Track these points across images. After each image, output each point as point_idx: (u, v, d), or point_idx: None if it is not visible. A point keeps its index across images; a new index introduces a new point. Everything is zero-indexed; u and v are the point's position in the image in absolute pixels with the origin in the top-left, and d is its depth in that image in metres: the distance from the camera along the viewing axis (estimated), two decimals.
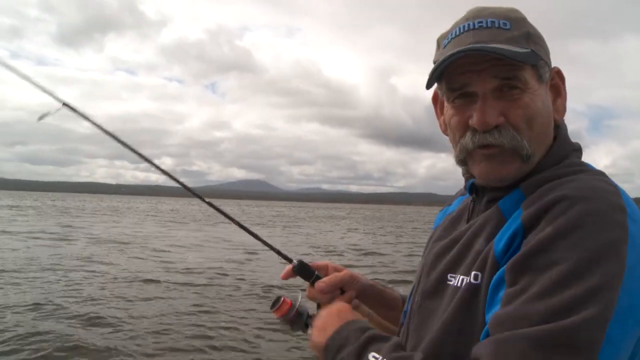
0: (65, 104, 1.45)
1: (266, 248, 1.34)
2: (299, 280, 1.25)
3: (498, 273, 0.79)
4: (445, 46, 0.94)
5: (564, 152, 0.93)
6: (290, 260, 1.25)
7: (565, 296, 0.69)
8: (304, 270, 1.22)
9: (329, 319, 1.04)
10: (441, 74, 0.92)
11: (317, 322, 1.07)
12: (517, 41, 0.89)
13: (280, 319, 1.18)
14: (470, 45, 0.87)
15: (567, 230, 0.74)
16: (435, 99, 1.06)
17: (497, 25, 0.90)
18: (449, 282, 0.90)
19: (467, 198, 1.06)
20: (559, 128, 0.95)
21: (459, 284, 0.87)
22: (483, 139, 0.89)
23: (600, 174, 0.87)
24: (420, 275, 1.02)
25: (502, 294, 0.76)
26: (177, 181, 1.43)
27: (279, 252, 1.31)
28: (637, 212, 0.79)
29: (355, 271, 1.28)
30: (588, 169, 0.90)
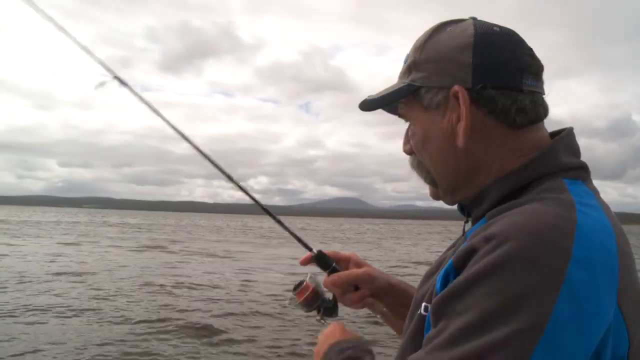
0: (116, 77, 1.54)
1: None
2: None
3: (427, 315, 0.79)
4: None
5: (538, 170, 0.82)
6: (310, 249, 1.29)
7: (467, 348, 0.65)
8: (322, 260, 1.26)
9: (320, 345, 1.12)
10: None
11: (315, 348, 1.14)
12: (402, 76, 0.93)
13: (301, 301, 1.27)
14: (366, 98, 1.00)
15: (486, 274, 0.67)
16: None
17: (405, 60, 0.94)
18: (420, 311, 0.87)
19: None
20: (551, 146, 0.85)
21: (422, 311, 0.86)
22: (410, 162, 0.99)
23: (565, 204, 0.74)
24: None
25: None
26: (251, 197, 1.43)
27: (300, 240, 1.34)
28: (597, 255, 0.68)
29: (381, 269, 1.28)
30: (557, 196, 0.77)
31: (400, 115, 0.97)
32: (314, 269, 1.30)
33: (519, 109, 0.84)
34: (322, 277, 1.28)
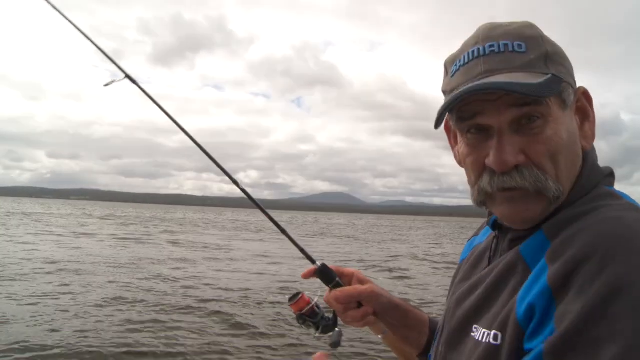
0: (127, 76, 1.60)
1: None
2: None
3: (534, 355, 0.67)
4: (453, 74, 0.85)
5: (591, 182, 0.82)
6: (313, 262, 1.25)
7: None
8: (326, 274, 1.22)
9: None
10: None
11: None
12: (535, 65, 0.78)
13: (296, 314, 1.23)
14: (484, 82, 0.77)
15: (605, 301, 0.62)
16: (447, 128, 0.96)
17: (510, 48, 0.80)
18: (472, 334, 0.82)
19: (492, 233, 0.96)
20: (587, 153, 0.84)
21: (481, 339, 0.79)
22: (502, 183, 0.79)
23: (631, 208, 0.75)
24: (443, 322, 0.95)
25: None
26: (256, 203, 1.45)
27: (303, 251, 1.32)
28: None
29: (383, 287, 1.22)
30: (619, 202, 0.77)
31: (529, 105, 0.77)
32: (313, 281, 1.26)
33: None
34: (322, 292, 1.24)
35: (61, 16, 1.59)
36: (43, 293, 9.55)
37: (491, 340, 0.76)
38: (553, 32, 0.86)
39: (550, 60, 0.80)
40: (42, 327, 7.31)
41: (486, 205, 0.85)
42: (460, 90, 0.77)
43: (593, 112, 0.85)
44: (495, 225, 0.92)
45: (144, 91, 1.55)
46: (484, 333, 0.78)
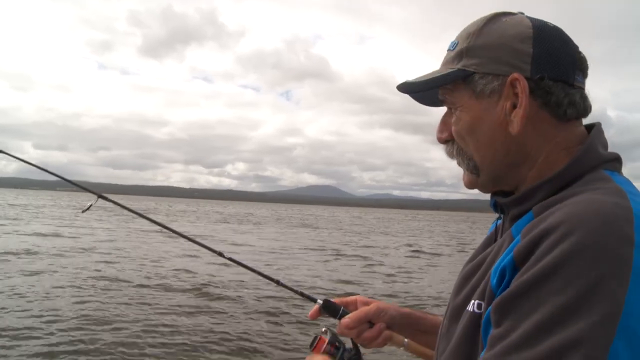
0: (100, 196, 1.84)
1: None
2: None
3: (487, 310, 0.76)
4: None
5: (585, 165, 0.83)
6: (314, 300, 1.30)
7: (544, 347, 0.63)
8: (329, 308, 1.27)
9: None
10: None
11: None
12: (451, 62, 0.92)
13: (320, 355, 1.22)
14: (404, 82, 0.98)
15: (553, 270, 0.66)
16: None
17: (451, 47, 0.94)
18: (467, 308, 0.86)
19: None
20: (590, 137, 0.86)
21: (473, 309, 0.84)
22: (445, 150, 0.98)
23: (616, 193, 0.74)
24: (450, 299, 1.00)
25: (489, 333, 0.73)
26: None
27: (302, 294, 1.39)
28: None
29: (388, 301, 1.32)
30: (606, 185, 0.78)
31: (442, 102, 0.94)
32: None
33: (570, 102, 0.85)
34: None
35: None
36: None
37: (475, 309, 0.81)
38: None
39: (466, 54, 0.88)
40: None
41: None
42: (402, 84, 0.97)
43: (524, 100, 0.84)
44: (496, 207, 0.97)
45: (122, 206, 1.91)
46: (474, 304, 0.83)
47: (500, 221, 1.00)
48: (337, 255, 19.24)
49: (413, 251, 22.54)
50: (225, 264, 12.25)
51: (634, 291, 0.62)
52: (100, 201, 1.82)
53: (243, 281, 11.29)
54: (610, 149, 0.87)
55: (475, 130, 0.89)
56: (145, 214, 1.74)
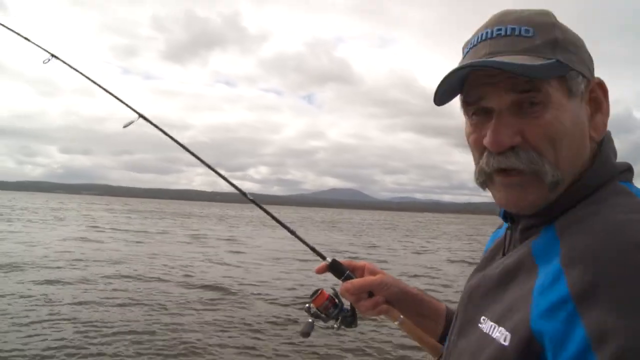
0: (141, 116, 1.78)
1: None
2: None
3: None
4: (464, 56, 0.86)
5: (602, 176, 0.80)
6: (324, 258, 1.32)
7: None
8: (336, 269, 1.28)
9: None
10: (462, 84, 0.84)
11: None
12: (540, 50, 0.78)
13: (317, 308, 1.29)
14: (477, 61, 0.78)
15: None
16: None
17: (517, 32, 0.79)
18: (480, 325, 0.81)
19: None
20: (603, 147, 0.83)
21: (489, 331, 0.77)
22: (498, 163, 0.80)
23: (637, 208, 0.72)
24: (457, 310, 0.95)
25: None
26: (236, 187, 1.57)
27: (314, 250, 1.37)
28: None
29: (396, 276, 1.24)
30: (630, 201, 0.75)
31: (528, 91, 0.77)
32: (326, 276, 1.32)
33: None
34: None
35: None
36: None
37: (501, 341, 0.73)
38: None
39: (559, 47, 0.79)
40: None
41: (487, 188, 0.87)
42: (454, 68, 0.80)
43: (607, 104, 0.84)
44: (506, 216, 0.92)
45: (159, 129, 1.76)
46: (492, 327, 0.77)
47: (502, 230, 0.99)
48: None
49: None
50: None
51: None
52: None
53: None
54: (637, 151, 6.73)
55: (570, 135, 0.78)
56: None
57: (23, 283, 10.48)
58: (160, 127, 1.75)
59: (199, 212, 75.04)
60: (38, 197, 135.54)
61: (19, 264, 12.68)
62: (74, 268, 12.93)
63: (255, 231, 33.24)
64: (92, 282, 11.09)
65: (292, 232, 1.51)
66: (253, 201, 1.57)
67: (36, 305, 8.67)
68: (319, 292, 1.30)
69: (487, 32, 0.82)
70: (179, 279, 12.28)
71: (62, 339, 6.84)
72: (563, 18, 0.82)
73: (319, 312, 1.30)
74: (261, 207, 1.57)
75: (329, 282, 1.39)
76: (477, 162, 0.86)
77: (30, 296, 9.26)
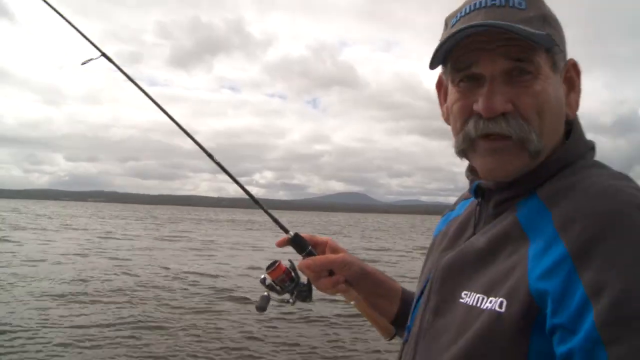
0: (103, 54, 1.63)
1: None
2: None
3: (585, 330, 0.63)
4: (453, 25, 0.86)
5: (579, 151, 0.85)
6: (287, 231, 1.27)
7: None
8: (298, 243, 1.24)
9: None
10: (447, 55, 0.84)
11: None
12: (533, 22, 0.80)
13: (274, 280, 1.24)
14: (483, 21, 0.79)
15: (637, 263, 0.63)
16: (439, 84, 0.98)
17: (511, 4, 0.81)
18: (461, 300, 0.80)
19: (473, 201, 0.97)
20: (574, 124, 0.87)
21: (476, 304, 0.77)
22: (487, 128, 0.80)
23: (623, 177, 0.78)
24: (429, 290, 0.91)
25: (602, 354, 0.61)
26: (246, 192, 1.43)
27: (277, 221, 1.32)
28: None
29: (356, 256, 1.23)
30: (610, 170, 0.81)
31: (522, 61, 0.79)
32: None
33: None
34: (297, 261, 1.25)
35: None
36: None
37: (496, 308, 0.73)
38: (570, 28, 0.88)
39: (547, 21, 0.82)
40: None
41: (467, 156, 0.87)
42: (459, 28, 0.79)
43: (579, 84, 0.88)
44: (477, 192, 0.93)
45: (122, 72, 1.61)
46: (479, 298, 0.76)
47: (457, 212, 1.03)
48: None
49: None
50: None
51: None
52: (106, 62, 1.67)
53: None
54: None
55: (554, 107, 0.81)
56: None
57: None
58: (123, 69, 1.64)
59: (227, 218, 76.03)
60: (53, 205, 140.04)
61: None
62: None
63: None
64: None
65: (256, 202, 1.41)
66: (258, 202, 1.47)
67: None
68: (276, 264, 1.26)
69: (480, 2, 0.83)
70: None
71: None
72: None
73: (274, 285, 1.26)
74: (265, 211, 1.46)
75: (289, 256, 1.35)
76: (459, 130, 0.86)
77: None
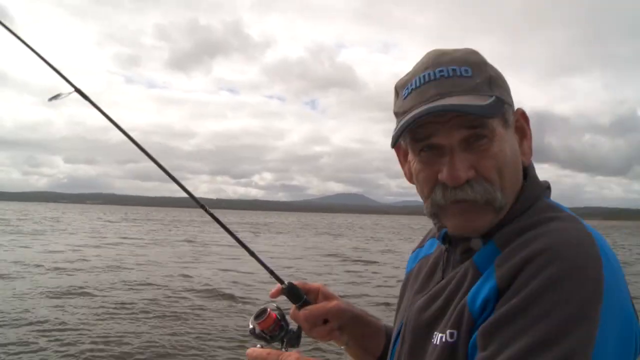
0: (77, 90, 1.48)
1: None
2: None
3: (474, 336, 0.78)
4: (405, 97, 0.91)
5: (534, 194, 0.91)
6: (281, 281, 1.22)
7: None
8: (293, 293, 1.21)
9: None
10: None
11: None
12: (481, 89, 0.86)
13: (263, 331, 1.18)
14: (437, 104, 0.83)
15: (539, 295, 0.72)
16: (397, 148, 1.02)
17: (458, 73, 0.87)
18: (432, 340, 0.88)
19: (442, 246, 1.03)
20: (528, 169, 0.93)
21: (437, 342, 0.85)
22: (455, 195, 0.86)
23: (572, 219, 0.84)
24: (404, 331, 0.99)
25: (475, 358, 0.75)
26: (186, 190, 1.44)
27: (272, 272, 1.28)
28: (611, 255, 0.78)
29: (346, 300, 1.26)
30: (560, 214, 0.86)
31: (477, 127, 0.85)
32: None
33: None
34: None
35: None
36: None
37: (448, 339, 0.82)
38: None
39: (493, 83, 0.88)
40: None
41: (438, 217, 0.93)
42: (418, 110, 0.84)
43: (530, 131, 0.93)
44: (445, 239, 0.99)
45: (94, 105, 1.47)
46: (440, 337, 0.85)
47: (426, 250, 1.12)
48: None
49: None
50: None
51: (606, 307, 0.71)
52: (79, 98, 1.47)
53: None
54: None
55: (511, 163, 0.87)
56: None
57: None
58: (97, 104, 1.50)
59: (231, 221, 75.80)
60: (54, 208, 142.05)
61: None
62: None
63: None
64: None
65: (252, 253, 1.31)
66: (203, 207, 1.44)
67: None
68: (266, 313, 1.19)
69: (429, 74, 0.89)
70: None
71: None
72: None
73: (263, 334, 1.20)
74: (218, 221, 1.40)
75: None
76: (427, 196, 0.92)
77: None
